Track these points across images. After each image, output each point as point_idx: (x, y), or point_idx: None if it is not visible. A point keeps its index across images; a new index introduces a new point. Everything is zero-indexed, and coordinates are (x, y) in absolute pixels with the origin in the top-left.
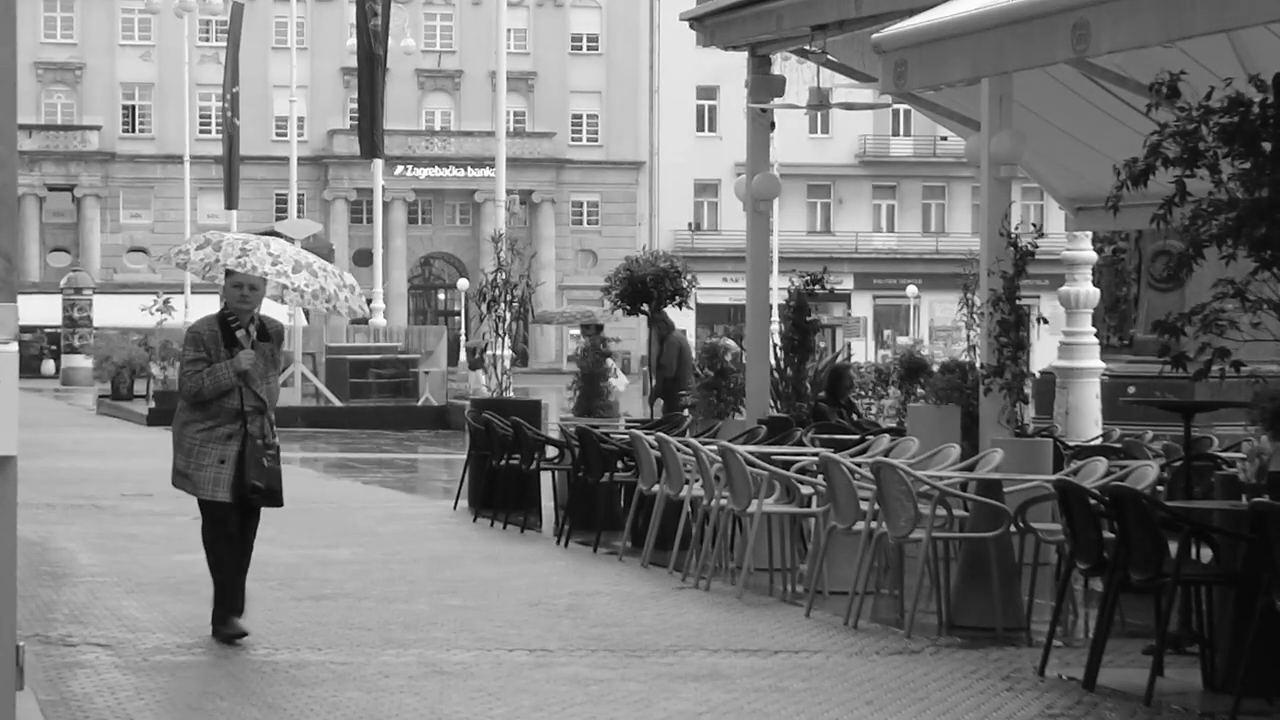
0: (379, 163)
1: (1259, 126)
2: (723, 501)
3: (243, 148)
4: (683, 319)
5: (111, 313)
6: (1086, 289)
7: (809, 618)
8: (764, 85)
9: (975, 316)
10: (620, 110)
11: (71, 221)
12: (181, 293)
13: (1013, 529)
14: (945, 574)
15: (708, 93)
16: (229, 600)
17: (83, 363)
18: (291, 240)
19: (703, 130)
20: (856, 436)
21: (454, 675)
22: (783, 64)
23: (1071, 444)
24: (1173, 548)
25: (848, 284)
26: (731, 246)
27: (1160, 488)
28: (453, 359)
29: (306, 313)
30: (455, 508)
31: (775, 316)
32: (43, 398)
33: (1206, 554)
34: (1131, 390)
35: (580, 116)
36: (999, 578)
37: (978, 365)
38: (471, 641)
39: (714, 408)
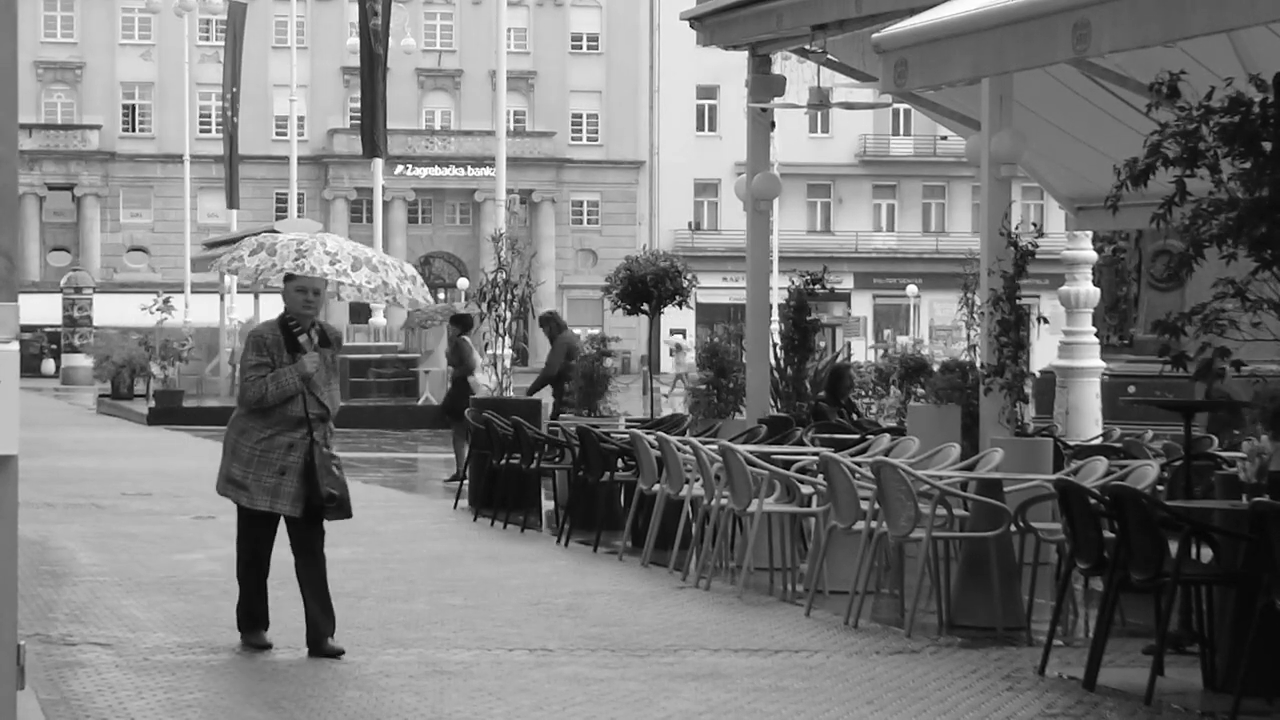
0: (379, 162)
1: (1259, 126)
2: (723, 501)
3: (243, 147)
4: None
5: (111, 312)
6: (1087, 288)
7: (809, 617)
8: (764, 85)
9: (975, 316)
10: (620, 110)
11: (71, 221)
12: (181, 292)
13: (1013, 528)
14: (945, 573)
15: (708, 92)
16: (257, 611)
17: (83, 362)
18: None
19: (703, 130)
20: (857, 436)
21: (454, 675)
22: (783, 63)
23: (1071, 443)
24: (1173, 547)
25: (848, 283)
26: (731, 246)
27: (1160, 487)
28: None
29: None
30: (455, 507)
31: (775, 316)
32: (43, 397)
33: (1207, 554)
34: (1131, 390)
35: (580, 116)
36: (999, 577)
37: (978, 365)
38: (472, 641)
39: (714, 407)
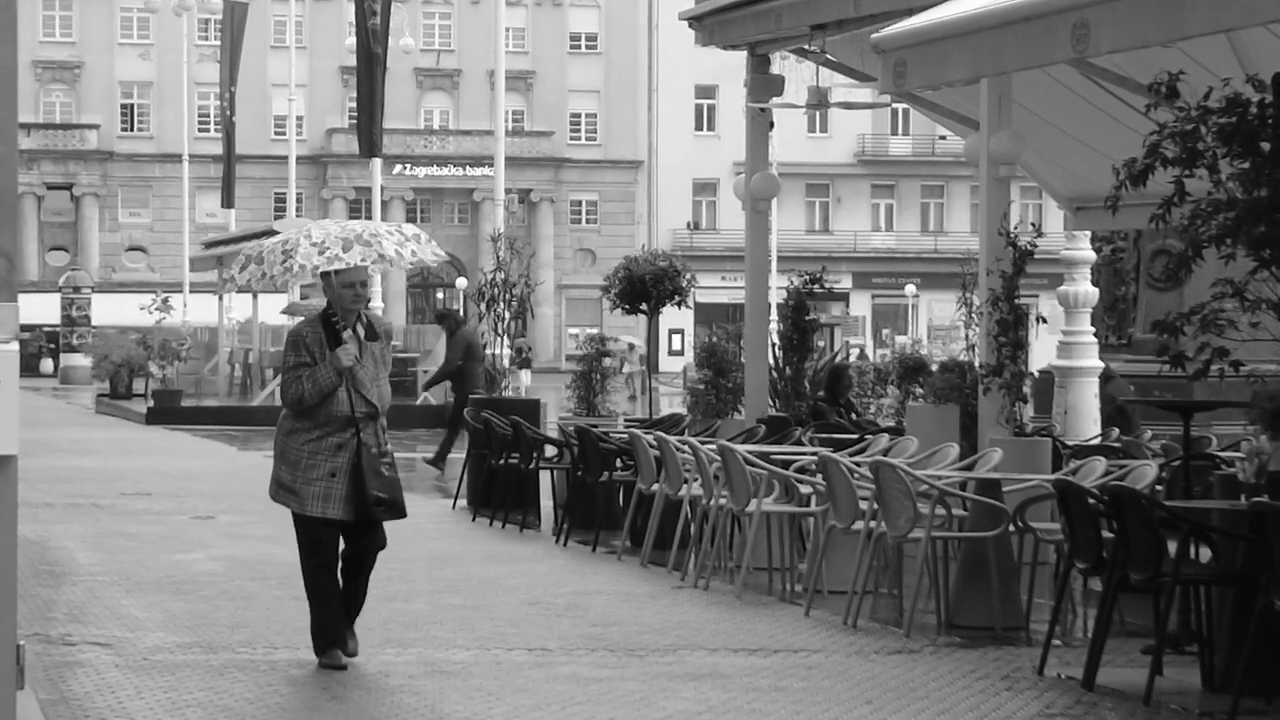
0: (377, 162)
1: (1257, 126)
2: (722, 501)
3: (241, 147)
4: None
5: (110, 312)
6: (1085, 288)
7: (808, 617)
8: (763, 84)
9: (974, 316)
10: (619, 109)
11: (70, 220)
12: (180, 291)
13: (1012, 528)
14: (944, 573)
15: (706, 92)
16: (333, 629)
17: (81, 361)
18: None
19: (701, 129)
20: (855, 436)
21: (453, 674)
22: (782, 63)
23: (1070, 443)
24: (1172, 547)
25: (846, 283)
26: (730, 246)
27: (1159, 487)
28: None
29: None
30: (454, 507)
31: (774, 316)
32: (41, 396)
33: (1205, 554)
34: (1131, 389)
35: (579, 115)
36: (998, 577)
37: (976, 365)
38: (470, 641)
39: (712, 407)
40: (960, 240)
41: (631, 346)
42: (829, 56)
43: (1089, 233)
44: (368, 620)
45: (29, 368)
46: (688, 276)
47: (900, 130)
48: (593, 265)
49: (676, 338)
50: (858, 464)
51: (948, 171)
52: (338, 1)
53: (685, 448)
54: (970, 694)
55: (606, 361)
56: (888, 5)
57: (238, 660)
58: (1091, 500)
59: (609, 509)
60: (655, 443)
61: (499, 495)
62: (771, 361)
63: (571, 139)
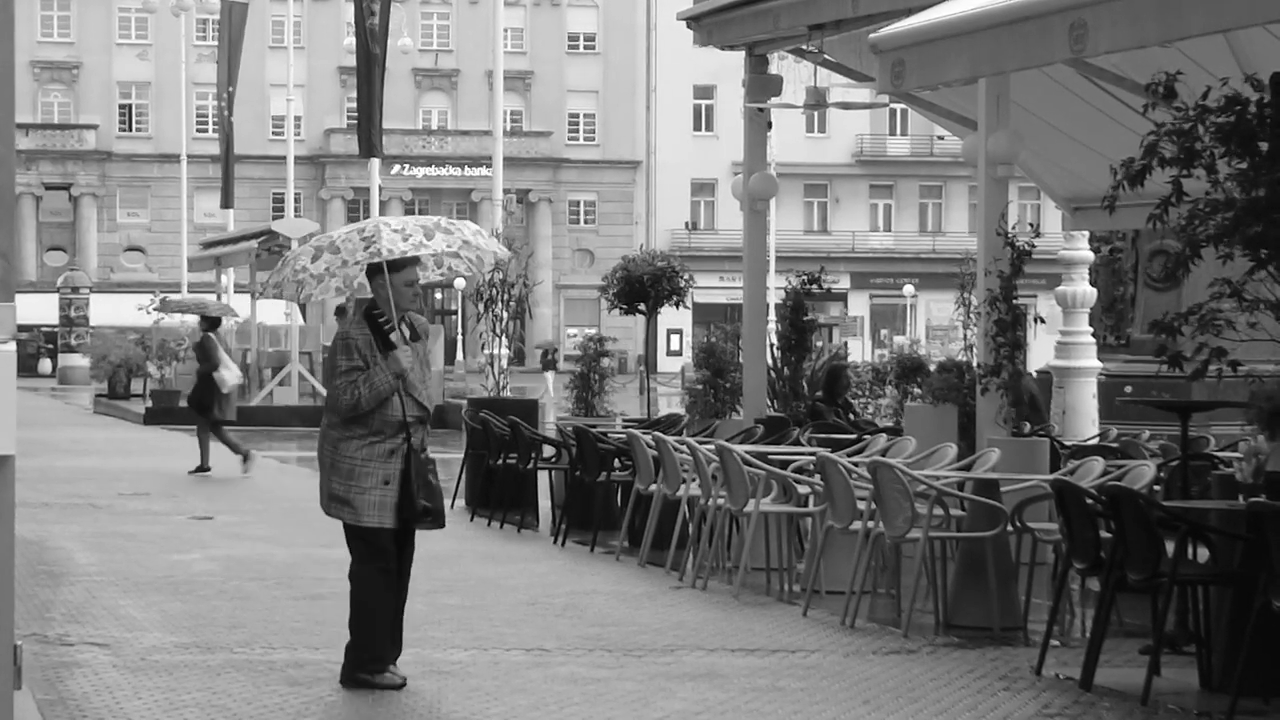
0: (376, 162)
1: (1255, 126)
2: (720, 501)
3: (240, 147)
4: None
5: (108, 312)
6: (1083, 288)
7: (806, 617)
8: (761, 85)
9: (972, 316)
10: (617, 110)
11: (68, 220)
12: (178, 292)
13: (1010, 528)
14: (942, 573)
15: (705, 92)
16: (382, 645)
17: (79, 362)
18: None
19: (700, 130)
20: (854, 436)
21: (451, 675)
22: (780, 63)
23: (1068, 443)
24: (1170, 547)
25: (844, 283)
26: (728, 246)
27: (1157, 487)
28: (449, 358)
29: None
30: (452, 507)
31: (772, 316)
32: (39, 397)
33: (1203, 554)
34: (1128, 390)
35: (577, 116)
36: (996, 577)
37: (975, 365)
38: (468, 641)
39: (710, 407)
40: (958, 240)
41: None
42: (827, 57)
43: (1087, 233)
44: None
45: (27, 368)
46: (686, 277)
47: (898, 130)
48: (591, 265)
49: (675, 338)
50: (856, 464)
51: (946, 172)
52: (336, 2)
53: (683, 448)
54: (968, 694)
55: (604, 362)
56: (886, 5)
57: (235, 660)
58: (1089, 500)
59: (607, 509)
60: (653, 443)
61: (497, 495)
62: (770, 362)
63: (570, 139)
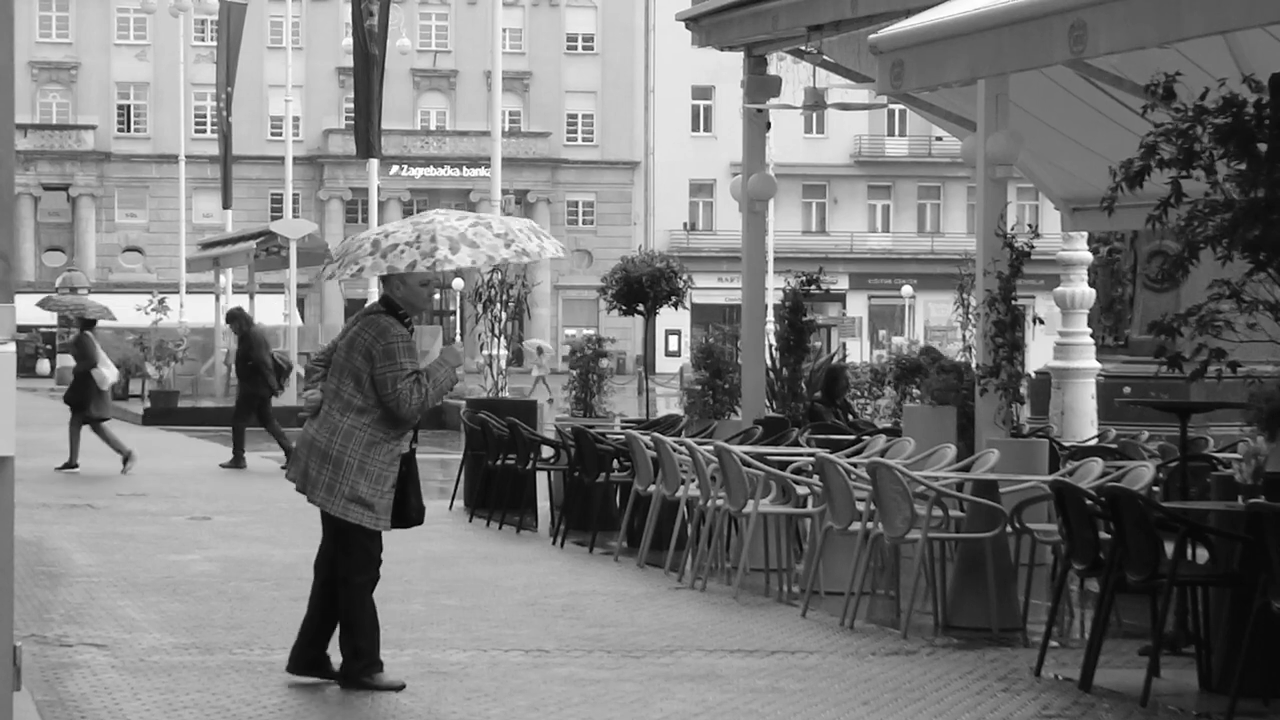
0: (374, 162)
1: (1254, 127)
2: (719, 502)
3: (238, 147)
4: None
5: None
6: (1082, 289)
7: (805, 618)
8: (760, 85)
9: (971, 317)
10: (616, 110)
11: (67, 221)
12: (177, 292)
13: (1009, 529)
14: (941, 574)
15: (703, 93)
16: (377, 647)
17: None
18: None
19: (698, 130)
20: (852, 437)
21: (450, 675)
22: (778, 64)
23: (1067, 444)
24: (1169, 548)
25: (843, 284)
26: (727, 246)
27: (1156, 488)
28: None
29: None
30: (451, 508)
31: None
32: (37, 397)
33: (1203, 555)
34: (1127, 390)
35: (575, 116)
36: (995, 578)
37: (974, 366)
38: (467, 642)
39: (709, 408)
40: (957, 241)
41: (540, 350)
42: (826, 57)
43: (1086, 234)
44: None
45: (25, 369)
46: (684, 277)
47: (897, 131)
48: (589, 266)
49: (673, 338)
50: (855, 465)
51: (945, 172)
52: (334, 2)
53: (682, 449)
54: (967, 695)
55: (603, 362)
56: (885, 6)
57: (234, 661)
58: (1088, 501)
59: (606, 510)
60: (652, 444)
61: (496, 496)
62: (768, 362)
63: (568, 140)
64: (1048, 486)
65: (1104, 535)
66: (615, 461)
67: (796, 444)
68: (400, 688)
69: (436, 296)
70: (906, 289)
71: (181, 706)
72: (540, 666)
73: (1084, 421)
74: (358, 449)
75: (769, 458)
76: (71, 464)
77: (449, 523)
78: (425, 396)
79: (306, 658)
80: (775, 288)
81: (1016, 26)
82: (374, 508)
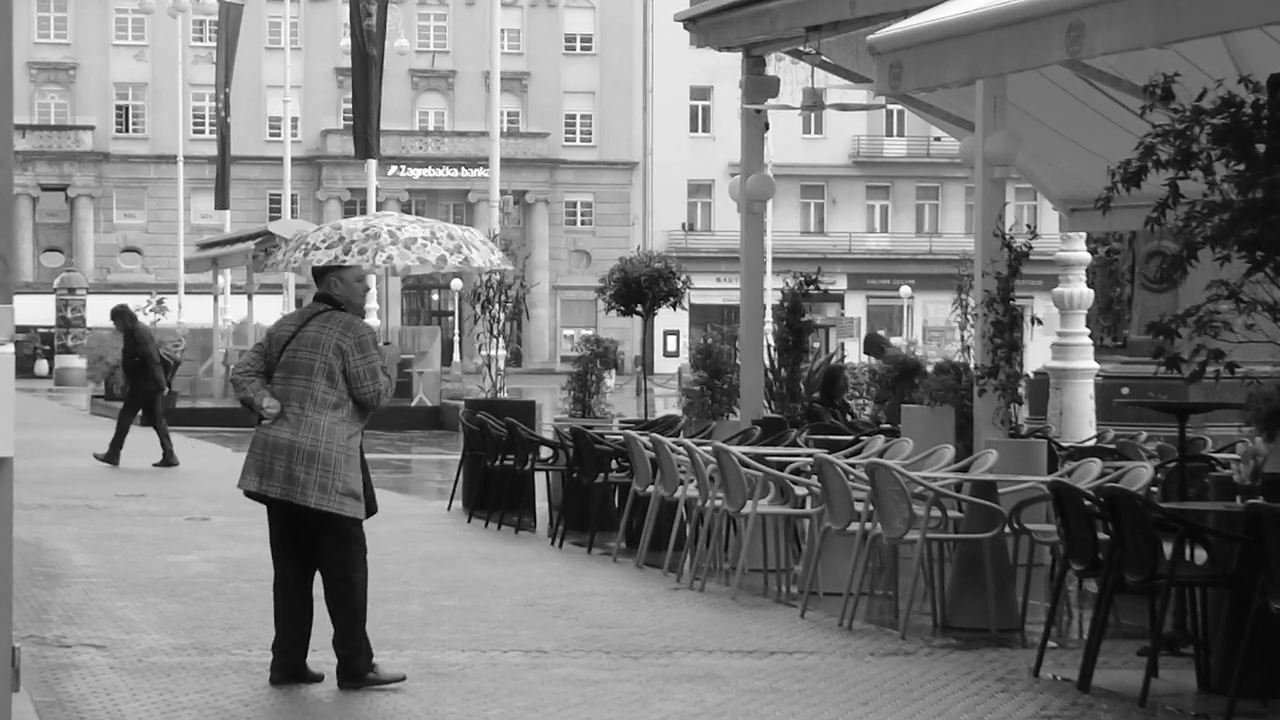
0: (373, 163)
1: (1252, 128)
2: (717, 502)
3: (236, 148)
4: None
5: (105, 313)
6: (1080, 290)
7: (803, 619)
8: (758, 86)
9: (969, 317)
10: (614, 111)
11: (65, 221)
12: (175, 293)
13: (1007, 530)
14: (940, 575)
15: (701, 93)
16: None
17: (76, 363)
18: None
19: (696, 131)
20: (851, 437)
21: (449, 676)
22: (777, 65)
23: (1066, 445)
24: (1167, 549)
25: (841, 284)
26: (725, 247)
27: (1155, 489)
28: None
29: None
30: (449, 508)
31: (769, 317)
32: (36, 398)
33: (1201, 555)
34: (1125, 391)
35: (574, 117)
36: (994, 579)
37: (972, 366)
38: (466, 642)
39: (708, 408)
40: (955, 242)
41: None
42: (824, 58)
43: (1084, 234)
44: None
45: (24, 369)
46: (683, 278)
47: (895, 131)
48: (588, 266)
49: (671, 339)
50: (853, 465)
51: (943, 173)
52: (333, 3)
53: (681, 449)
54: (966, 695)
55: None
56: (883, 6)
57: (233, 662)
58: (1087, 502)
59: (604, 510)
60: (650, 444)
61: (494, 497)
62: (767, 363)
63: (566, 140)
64: (1046, 487)
65: (1102, 536)
66: (614, 462)
67: (795, 444)
68: (403, 679)
69: (435, 296)
70: (905, 289)
71: (180, 707)
72: (539, 667)
73: (1082, 422)
74: (341, 443)
75: (767, 458)
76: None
77: (447, 523)
78: (388, 388)
79: (293, 667)
80: (773, 288)
81: (1014, 27)
82: (360, 498)
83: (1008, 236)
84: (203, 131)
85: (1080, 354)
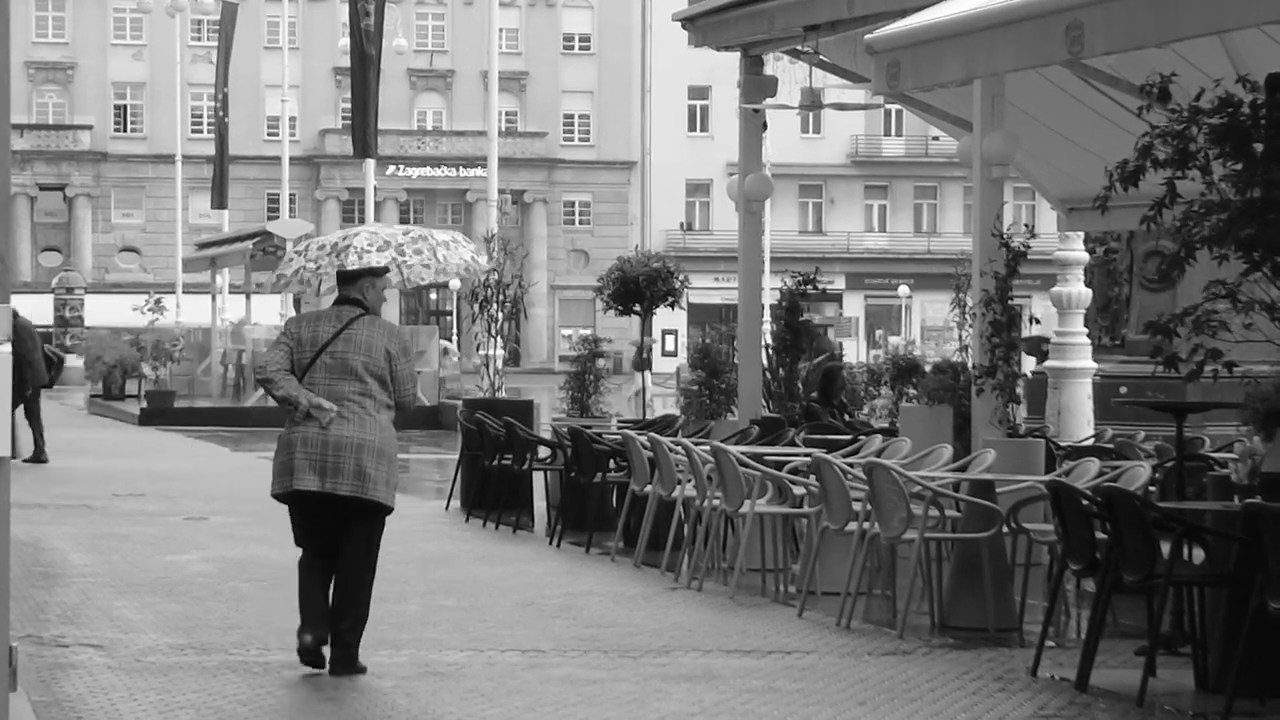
0: (371, 162)
1: (1250, 127)
2: (715, 502)
3: (235, 147)
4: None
5: (103, 312)
6: (1078, 289)
7: (801, 618)
8: (756, 85)
9: (967, 317)
10: (612, 110)
11: (63, 221)
12: (173, 292)
13: (1005, 530)
14: (938, 575)
15: (700, 93)
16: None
17: (74, 362)
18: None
19: (695, 130)
20: (849, 437)
21: (447, 676)
22: (775, 64)
23: (1064, 444)
24: (1165, 549)
25: (839, 284)
26: (723, 246)
27: (1152, 488)
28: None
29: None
30: (447, 508)
31: (767, 316)
32: None
33: (1199, 555)
34: (1123, 390)
35: (572, 116)
36: (991, 578)
37: (970, 366)
38: (464, 642)
39: (705, 408)
40: (953, 241)
41: (446, 350)
42: (822, 57)
43: (1082, 234)
44: None
45: None
46: (681, 277)
47: (893, 131)
48: (586, 266)
49: (670, 339)
50: (851, 465)
51: (941, 172)
52: (331, 2)
53: (679, 449)
54: (964, 695)
55: (599, 363)
56: (881, 6)
57: (231, 662)
58: (1085, 501)
59: (602, 510)
60: (648, 444)
61: (492, 496)
62: (765, 362)
63: (565, 140)
64: (1044, 486)
65: (1100, 535)
66: (611, 462)
67: (793, 444)
68: (362, 670)
69: (434, 296)
70: (903, 289)
71: (178, 707)
72: (537, 667)
73: (1080, 421)
74: (391, 438)
75: (765, 458)
76: None
77: (445, 523)
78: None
79: (321, 642)
80: (772, 288)
81: (1013, 26)
82: (394, 490)
83: (1006, 236)
84: (201, 131)
85: (1078, 353)
